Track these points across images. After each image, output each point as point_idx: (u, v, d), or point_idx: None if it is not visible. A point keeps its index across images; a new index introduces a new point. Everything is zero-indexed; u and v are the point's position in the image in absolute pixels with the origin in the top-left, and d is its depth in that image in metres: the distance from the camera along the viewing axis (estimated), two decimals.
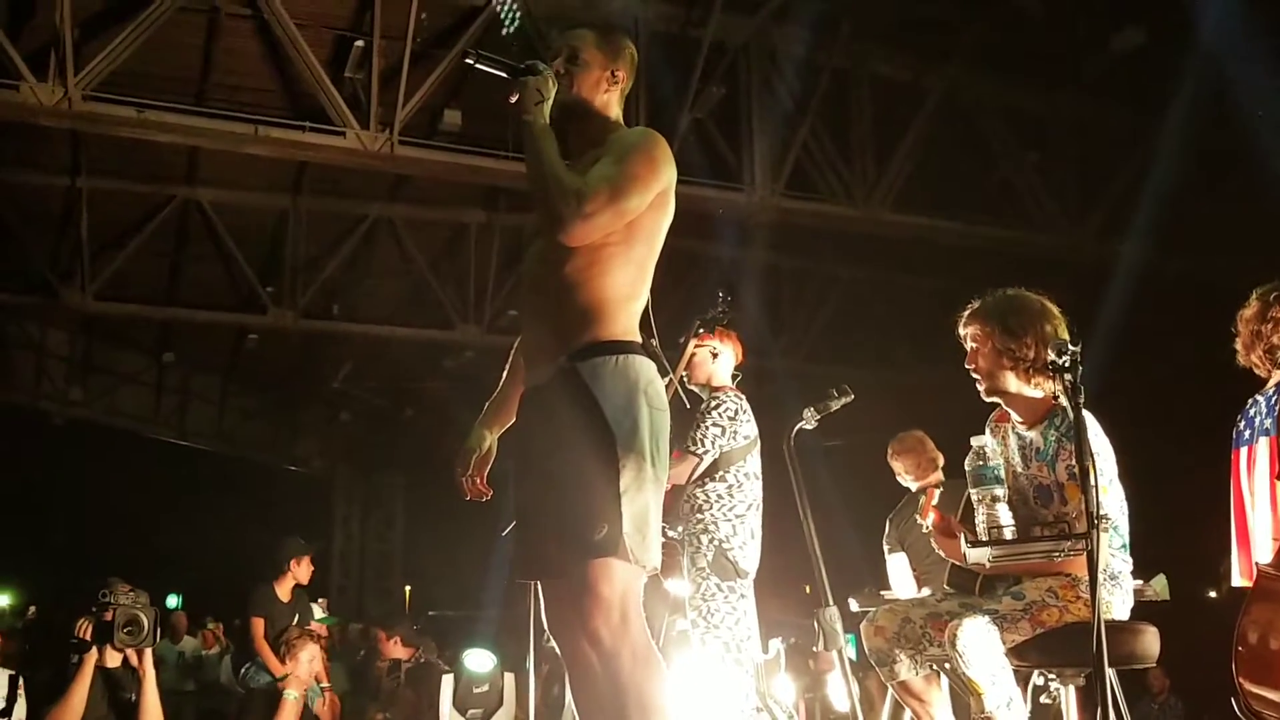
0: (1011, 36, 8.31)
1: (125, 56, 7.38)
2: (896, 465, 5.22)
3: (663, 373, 2.49)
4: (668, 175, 2.52)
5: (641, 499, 2.32)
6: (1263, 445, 3.05)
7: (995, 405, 3.28)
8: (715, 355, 4.40)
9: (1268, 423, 3.02)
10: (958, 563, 3.16)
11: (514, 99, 2.47)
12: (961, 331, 3.24)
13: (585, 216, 2.37)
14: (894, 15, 8.38)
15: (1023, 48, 8.43)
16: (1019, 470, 3.20)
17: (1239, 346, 3.26)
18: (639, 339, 2.48)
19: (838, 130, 8.93)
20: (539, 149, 2.43)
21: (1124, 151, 8.90)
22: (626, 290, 2.47)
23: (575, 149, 2.57)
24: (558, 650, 2.48)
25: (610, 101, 2.64)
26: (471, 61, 2.52)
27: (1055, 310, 3.14)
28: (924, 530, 3.20)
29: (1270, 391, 3.15)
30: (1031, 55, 8.52)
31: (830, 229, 9.59)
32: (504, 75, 2.50)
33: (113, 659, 3.86)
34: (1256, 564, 2.81)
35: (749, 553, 4.19)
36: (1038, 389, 3.12)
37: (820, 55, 8.59)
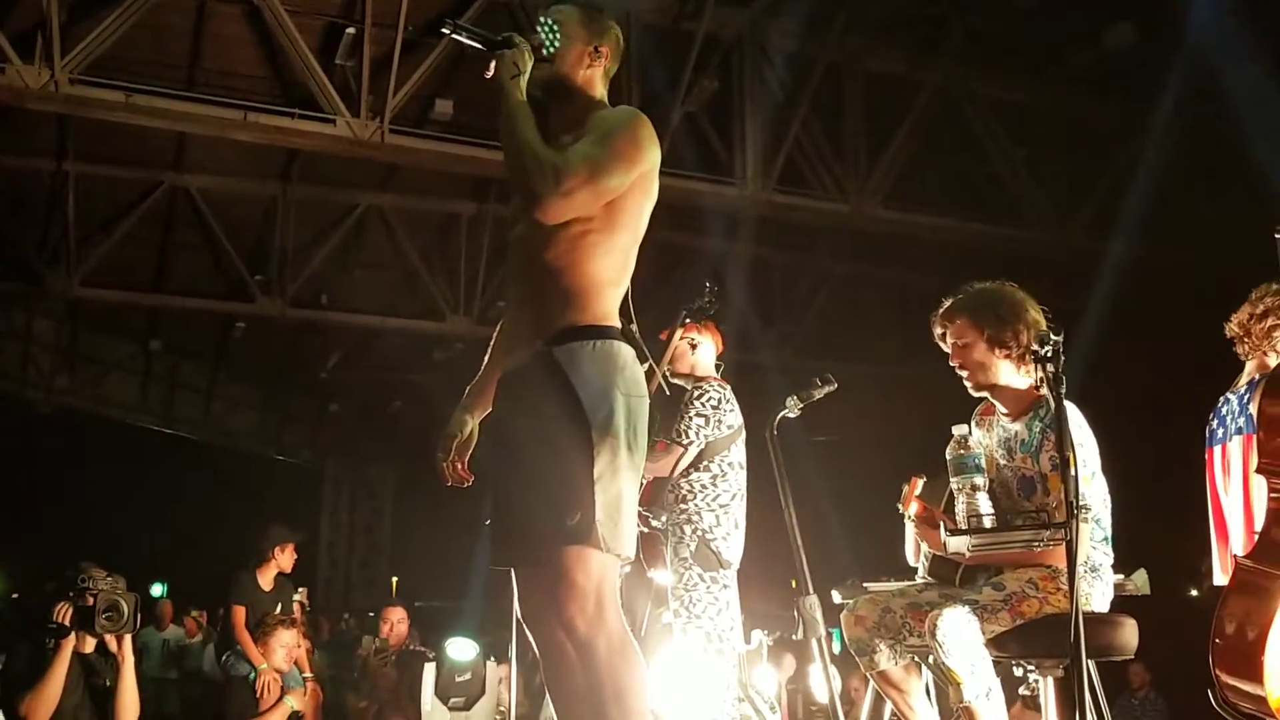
0: (1002, 31, 8.32)
1: (113, 40, 7.32)
2: None
3: (642, 359, 2.45)
4: (651, 156, 2.45)
5: (615, 486, 2.28)
6: (1236, 443, 3.06)
7: (982, 399, 3.28)
8: (694, 346, 4.38)
9: (1240, 420, 3.03)
10: (938, 552, 3.16)
11: (490, 74, 2.43)
12: (941, 329, 3.21)
13: (563, 194, 2.31)
14: (886, 10, 8.38)
15: (1014, 42, 8.45)
16: (1002, 462, 3.20)
17: (1236, 330, 3.27)
18: (619, 324, 2.43)
19: (830, 124, 8.93)
20: (515, 123, 2.37)
21: (1114, 146, 8.92)
22: (609, 275, 2.42)
23: (557, 127, 2.52)
24: (531, 639, 2.45)
25: (594, 79, 2.58)
26: (448, 31, 2.49)
27: (1031, 299, 3.15)
28: (906, 519, 3.20)
29: (1242, 389, 3.17)
30: (1022, 50, 8.53)
31: (821, 223, 9.59)
32: (481, 48, 2.46)
33: (87, 644, 3.83)
34: (1233, 557, 2.81)
35: (732, 543, 4.17)
36: (1027, 376, 3.12)
37: (813, 49, 8.58)
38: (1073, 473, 2.35)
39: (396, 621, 7.17)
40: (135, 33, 7.47)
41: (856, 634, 3.17)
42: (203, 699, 8.61)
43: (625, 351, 2.40)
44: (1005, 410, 3.19)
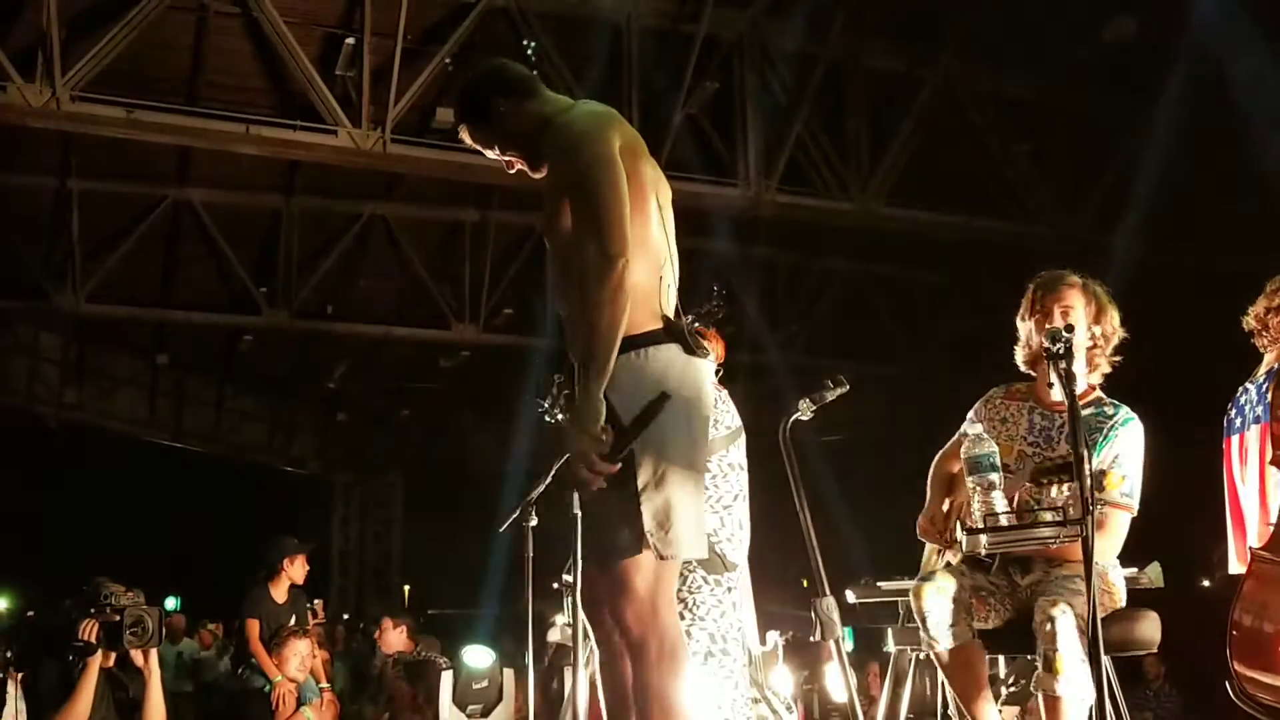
0: (1003, 26, 8.30)
1: (113, 56, 7.34)
2: None
3: (690, 350, 2.43)
4: (615, 143, 2.42)
5: (662, 495, 2.35)
6: (1254, 432, 3.05)
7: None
8: None
9: (1259, 409, 3.01)
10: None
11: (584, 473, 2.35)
12: (1068, 298, 3.18)
13: (615, 260, 2.32)
14: (886, 7, 8.37)
15: (1015, 37, 8.43)
16: (1029, 450, 3.19)
17: (1254, 323, 3.27)
18: (657, 325, 2.42)
19: (832, 124, 8.93)
20: (609, 357, 2.33)
21: (1117, 140, 8.89)
22: (637, 277, 2.37)
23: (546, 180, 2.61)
24: (589, 630, 2.51)
25: (527, 112, 2.63)
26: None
27: None
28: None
29: (1260, 379, 3.16)
30: (1024, 45, 8.51)
31: (825, 223, 9.59)
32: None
33: (109, 658, 3.84)
34: (1250, 548, 2.81)
35: (737, 545, 4.16)
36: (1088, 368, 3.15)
37: (813, 48, 8.58)
38: (1087, 469, 2.35)
39: (387, 630, 7.22)
40: (135, 48, 7.48)
41: (939, 605, 3.03)
42: (219, 712, 8.61)
43: (664, 354, 2.40)
44: (1056, 399, 3.16)
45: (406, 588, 17.62)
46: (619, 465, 2.34)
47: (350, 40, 7.94)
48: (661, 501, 2.34)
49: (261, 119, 8.06)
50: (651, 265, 2.45)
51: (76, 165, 9.60)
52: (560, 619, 5.25)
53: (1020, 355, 3.28)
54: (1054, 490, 3.03)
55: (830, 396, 3.34)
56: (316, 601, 7.37)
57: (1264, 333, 3.21)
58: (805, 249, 11.27)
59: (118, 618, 3.80)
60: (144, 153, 8.94)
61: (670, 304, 2.49)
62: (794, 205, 9.00)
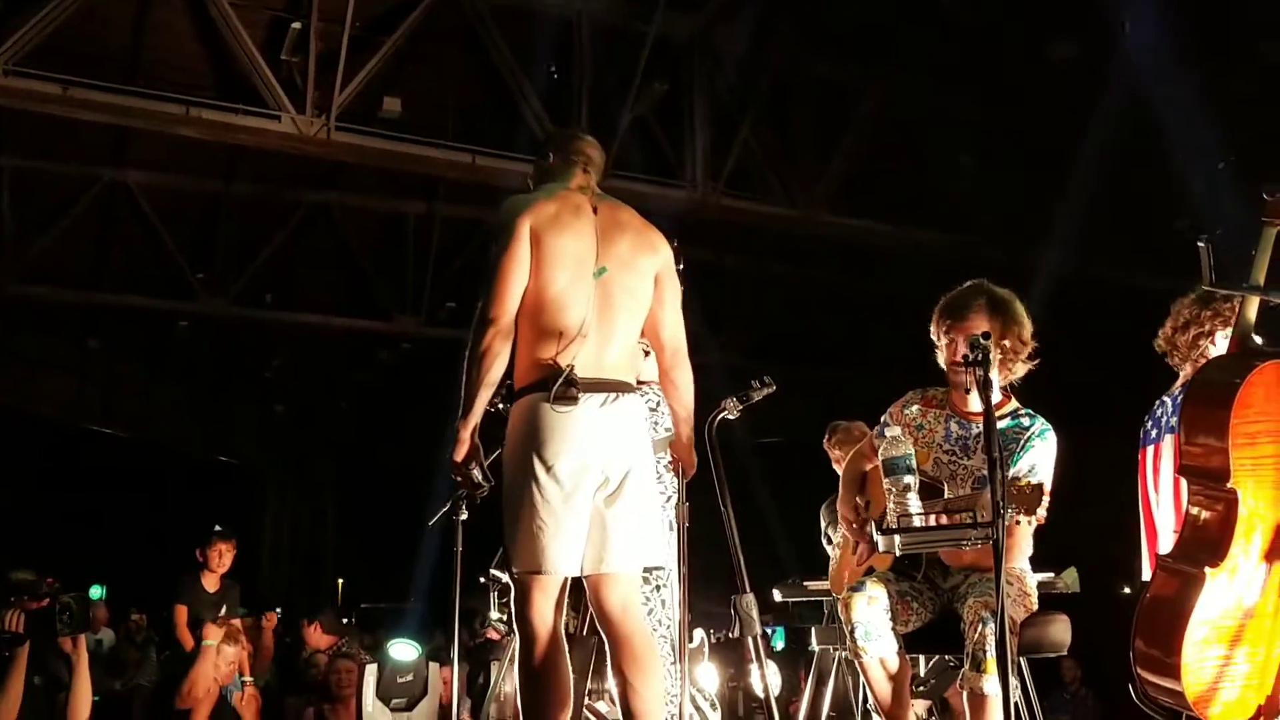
0: (948, 42, 8.43)
1: (51, 31, 7.19)
2: (834, 454, 5.30)
3: (564, 398, 2.81)
4: (521, 227, 2.87)
5: (508, 516, 2.84)
6: (1168, 442, 3.13)
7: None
8: (646, 353, 4.40)
9: (1174, 420, 3.10)
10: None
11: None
12: (957, 325, 3.19)
13: (488, 324, 2.85)
14: (836, 19, 8.46)
15: (960, 55, 8.56)
16: (945, 459, 3.26)
17: (1163, 345, 3.36)
18: (537, 378, 2.86)
19: (779, 130, 9.01)
20: (474, 402, 2.86)
21: (1056, 158, 9.07)
22: (524, 337, 2.90)
23: None
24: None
25: (533, 176, 3.21)
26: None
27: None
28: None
29: (1176, 392, 3.25)
30: (968, 62, 8.65)
31: (769, 227, 9.67)
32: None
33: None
34: (1157, 555, 2.89)
35: (669, 544, 4.20)
36: (1002, 379, 3.21)
37: (763, 55, 8.65)
38: (999, 475, 2.41)
39: (306, 628, 7.34)
40: (74, 23, 7.34)
41: (869, 616, 3.09)
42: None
43: (534, 401, 2.84)
44: (973, 409, 3.22)
45: (340, 581, 17.43)
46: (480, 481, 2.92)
47: (297, 25, 7.83)
48: (508, 522, 2.85)
49: (203, 101, 7.93)
50: (547, 325, 2.87)
51: (9, 142, 9.36)
52: (494, 615, 5.24)
53: (942, 358, 3.34)
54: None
55: (756, 396, 3.39)
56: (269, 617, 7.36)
57: (1175, 352, 3.31)
58: (748, 252, 11.36)
59: (39, 605, 3.77)
60: (80, 131, 8.73)
61: (575, 356, 2.85)
62: (738, 209, 9.07)
